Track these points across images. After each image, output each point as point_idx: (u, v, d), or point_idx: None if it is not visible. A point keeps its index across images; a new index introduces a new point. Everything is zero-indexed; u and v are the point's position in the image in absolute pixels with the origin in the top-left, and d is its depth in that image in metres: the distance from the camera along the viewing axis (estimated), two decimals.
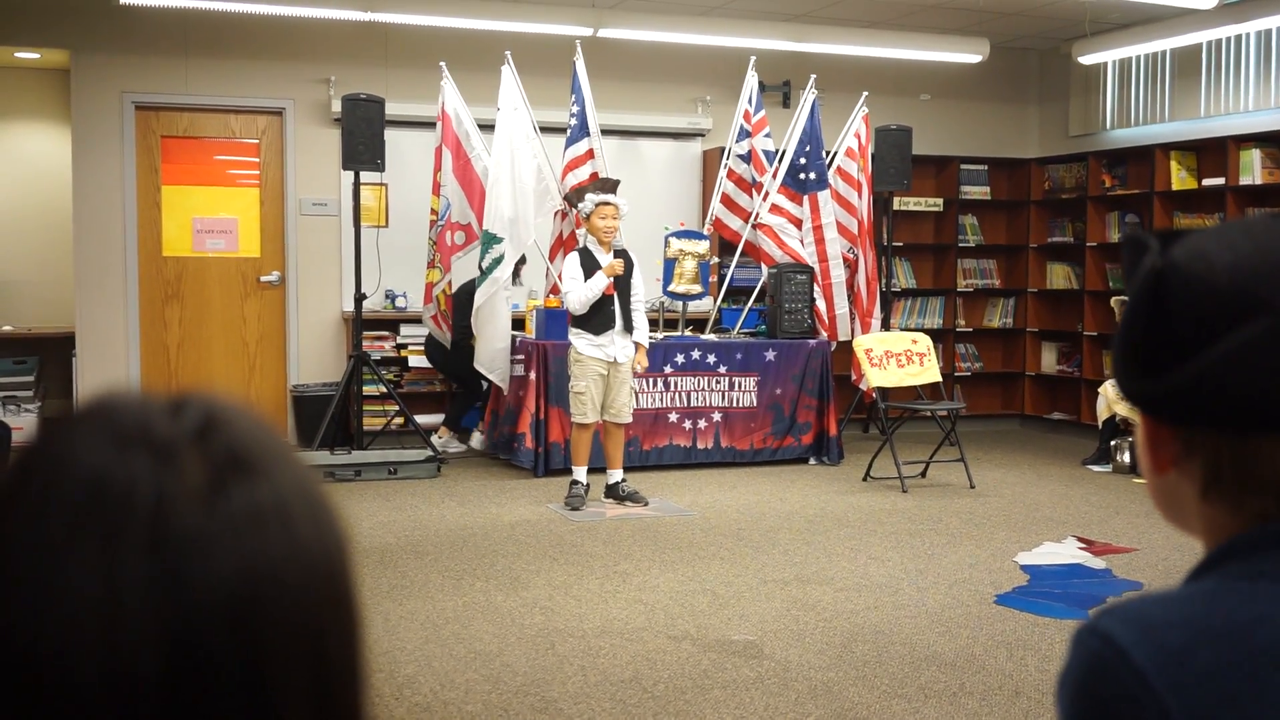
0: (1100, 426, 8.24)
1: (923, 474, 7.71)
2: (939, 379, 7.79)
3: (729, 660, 4.25)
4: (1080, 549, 5.93)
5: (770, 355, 8.13)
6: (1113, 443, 8.06)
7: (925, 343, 7.78)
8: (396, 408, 8.14)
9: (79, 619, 0.57)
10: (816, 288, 8.46)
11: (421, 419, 8.38)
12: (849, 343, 8.46)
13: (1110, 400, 8.04)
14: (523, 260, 7.98)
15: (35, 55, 8.67)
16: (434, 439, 8.10)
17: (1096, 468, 8.13)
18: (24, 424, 8.36)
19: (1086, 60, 9.31)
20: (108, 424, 0.61)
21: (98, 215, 8.46)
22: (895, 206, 9.60)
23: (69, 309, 8.71)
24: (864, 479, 7.60)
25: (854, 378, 9.03)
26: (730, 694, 3.93)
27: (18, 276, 9.05)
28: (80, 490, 0.59)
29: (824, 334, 8.52)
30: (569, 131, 8.04)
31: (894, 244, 9.57)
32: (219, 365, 8.85)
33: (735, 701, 3.86)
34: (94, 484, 0.59)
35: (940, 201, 10.23)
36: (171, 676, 0.57)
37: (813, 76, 8.67)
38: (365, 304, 7.97)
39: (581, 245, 6.97)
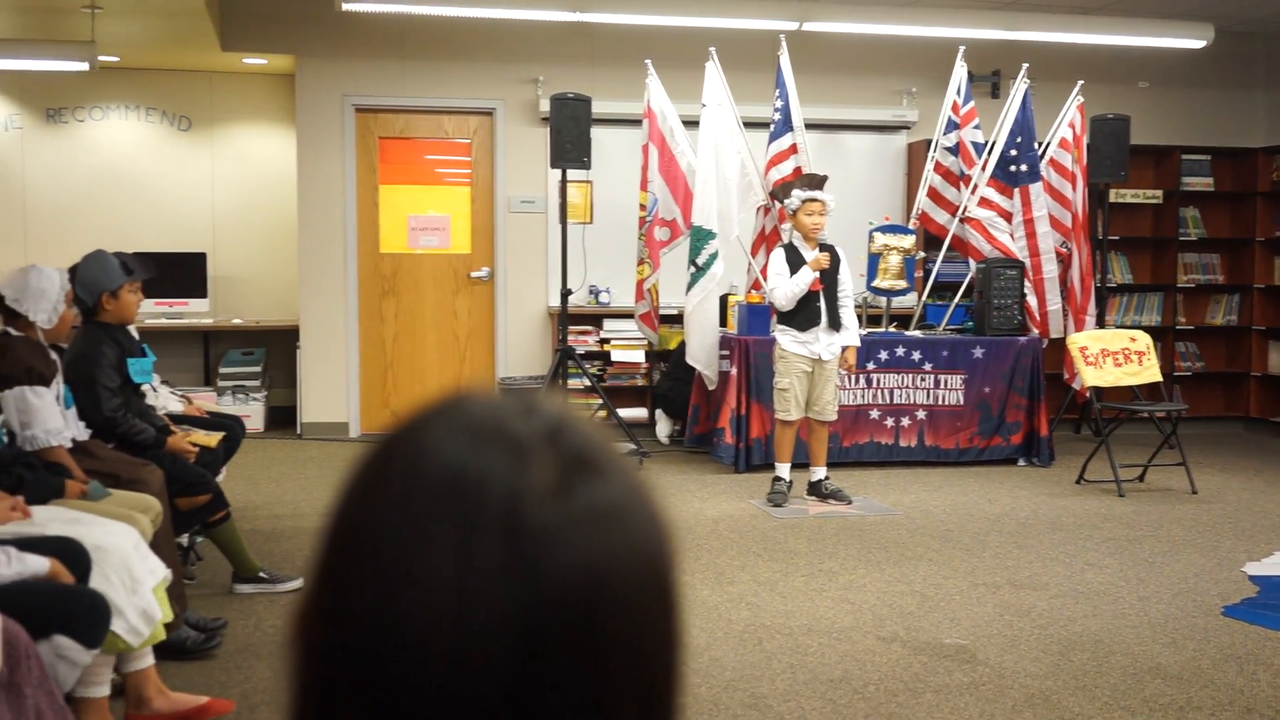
0: None
1: (1140, 478, 7.40)
2: (1159, 379, 7.46)
3: (941, 664, 4.18)
4: None
5: (978, 352, 7.93)
6: None
7: (1144, 340, 7.47)
8: (600, 401, 8.26)
9: (435, 601, 0.60)
10: (1027, 283, 8.22)
11: (624, 412, 8.49)
12: (1061, 340, 8.19)
13: None
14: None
15: (263, 61, 9.12)
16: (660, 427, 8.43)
17: None
18: (251, 412, 8.83)
19: None
20: (464, 421, 0.65)
21: (320, 214, 8.86)
22: (1111, 199, 9.24)
23: (294, 303, 9.15)
24: (1077, 482, 7.35)
25: (1066, 376, 8.75)
26: (943, 699, 3.86)
27: (247, 272, 9.54)
28: (439, 480, 0.62)
29: (1035, 331, 8.27)
30: (772, 126, 8.01)
31: (1110, 238, 9.21)
32: (431, 358, 9.16)
33: (949, 706, 3.79)
34: (452, 475, 0.62)
35: (1159, 193, 9.79)
36: (519, 661, 0.60)
37: (1024, 65, 8.41)
38: (570, 299, 8.12)
39: (786, 241, 6.93)
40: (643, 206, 8.20)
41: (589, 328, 8.91)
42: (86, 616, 2.76)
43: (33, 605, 2.64)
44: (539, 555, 0.61)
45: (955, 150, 8.41)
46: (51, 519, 3.24)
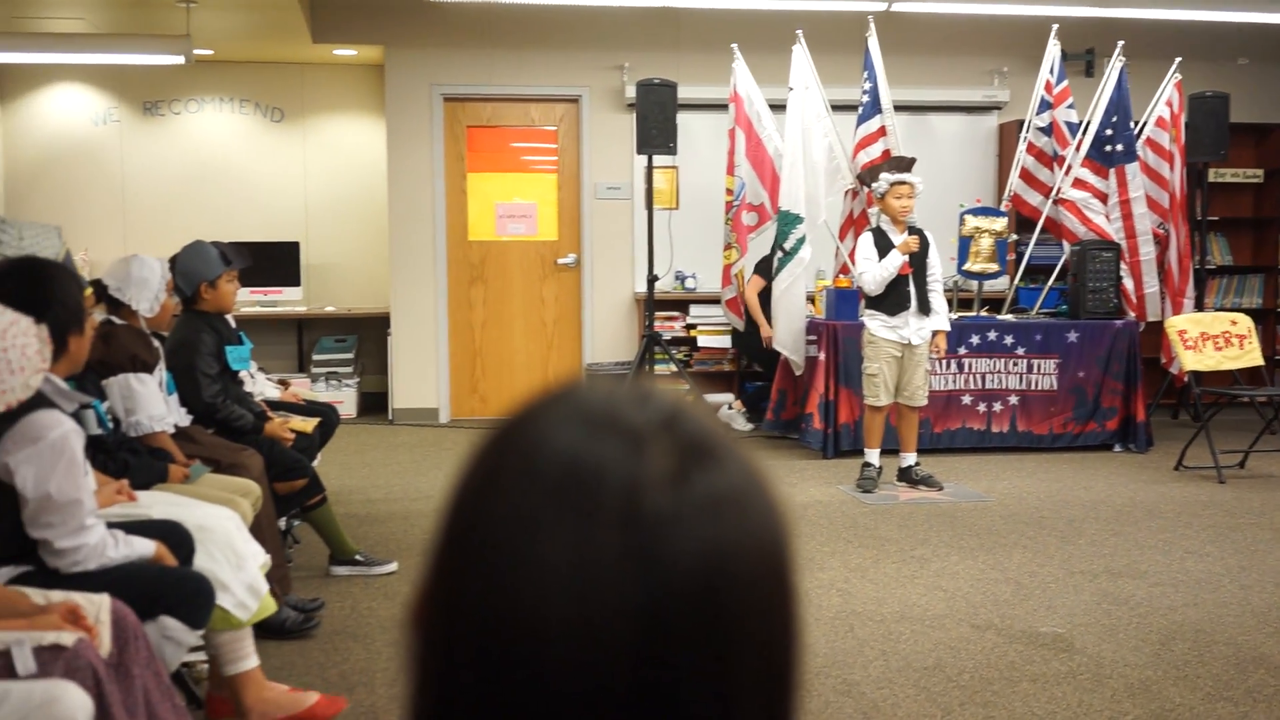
0: None
1: (1241, 464, 7.21)
2: (1260, 362, 7.26)
3: (1037, 653, 4.11)
4: None
5: (1072, 336, 7.78)
6: None
7: (1245, 324, 7.27)
8: (687, 386, 8.26)
9: (555, 591, 0.60)
10: (1123, 265, 8.04)
11: (711, 398, 8.48)
12: (1159, 323, 8.00)
13: None
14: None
15: (353, 52, 9.24)
16: (723, 410, 8.19)
17: None
18: (343, 398, 8.97)
19: None
20: (578, 410, 0.65)
21: (410, 202, 8.96)
22: (1210, 178, 9.01)
23: (384, 291, 9.27)
24: (1175, 468, 7.18)
25: (1164, 361, 8.55)
26: (1040, 688, 3.80)
27: (339, 260, 9.69)
28: (556, 469, 0.62)
29: (1131, 314, 8.10)
30: (860, 109, 7.93)
31: (1209, 218, 8.98)
32: (519, 344, 9.23)
33: (1046, 696, 3.73)
34: (568, 464, 0.62)
35: (1260, 172, 9.52)
36: (642, 649, 0.60)
37: (1119, 43, 8.22)
38: (657, 285, 8.12)
39: (874, 225, 6.86)
40: (729, 191, 8.17)
41: (675, 313, 8.91)
42: (191, 598, 2.83)
43: (139, 587, 2.71)
44: (658, 543, 0.61)
45: (1048, 130, 8.25)
46: (156, 503, 3.32)
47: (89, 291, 3.22)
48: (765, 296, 7.91)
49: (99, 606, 2.48)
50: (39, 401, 2.64)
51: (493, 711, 0.61)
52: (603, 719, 0.60)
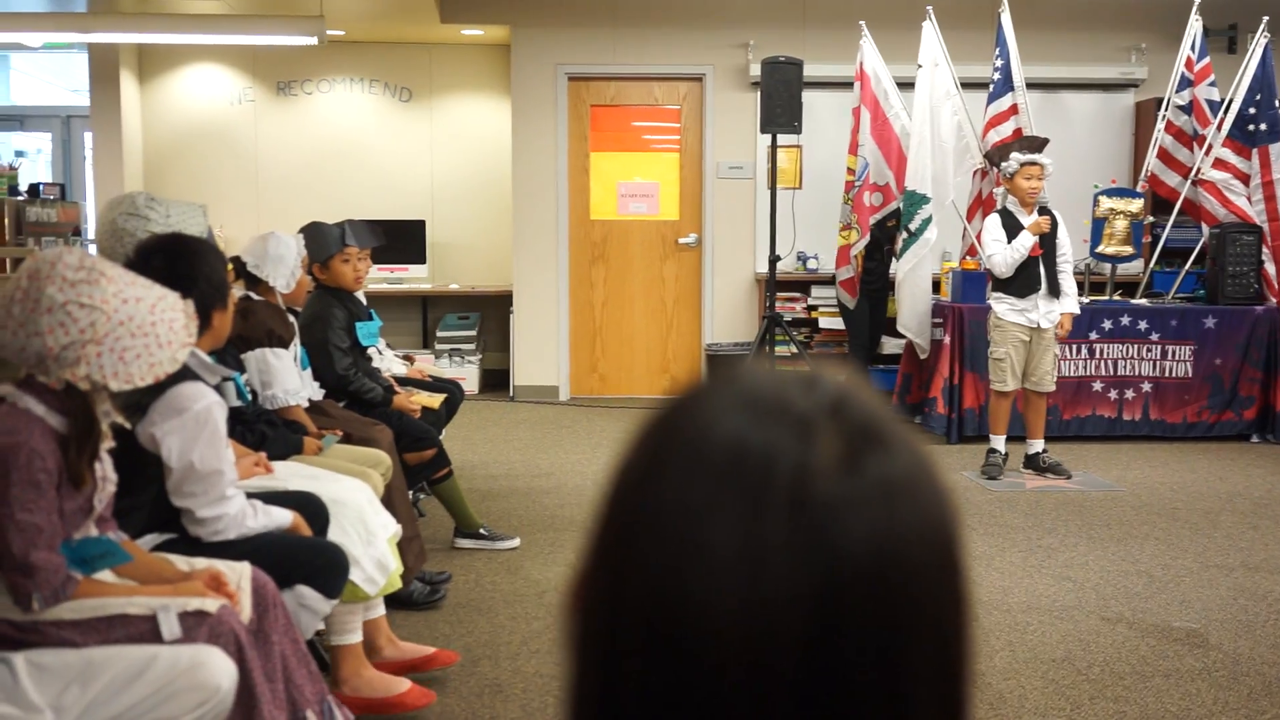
0: None
1: None
2: None
3: (1170, 648, 4.00)
4: None
5: (1210, 322, 7.53)
6: None
7: None
8: (807, 369, 8.19)
9: (724, 577, 0.60)
10: (1265, 249, 7.74)
11: None
12: None
13: None
14: None
15: (479, 32, 9.33)
16: None
17: None
18: (466, 375, 9.10)
19: None
20: (745, 396, 0.65)
21: (533, 182, 9.04)
22: None
23: (507, 269, 9.37)
24: None
25: None
26: (1174, 683, 3.70)
27: (463, 239, 9.82)
28: (723, 457, 0.62)
29: (1272, 299, 7.79)
30: (991, 87, 7.75)
31: None
32: (639, 324, 9.25)
33: (1180, 692, 3.63)
34: (736, 451, 0.62)
35: None
36: (813, 635, 0.59)
37: (1264, 19, 7.89)
38: (778, 265, 8.07)
39: (1001, 206, 6.71)
40: (850, 171, 8.06)
41: (796, 294, 8.84)
42: (327, 568, 2.90)
43: (277, 557, 2.78)
44: (829, 529, 0.60)
45: (1188, 109, 7.97)
46: (291, 475, 3.41)
47: (230, 268, 3.32)
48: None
49: (240, 574, 2.56)
50: (184, 374, 2.73)
51: (660, 696, 0.61)
52: (772, 705, 0.60)
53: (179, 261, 2.90)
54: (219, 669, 2.24)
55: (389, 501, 3.76)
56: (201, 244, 3.05)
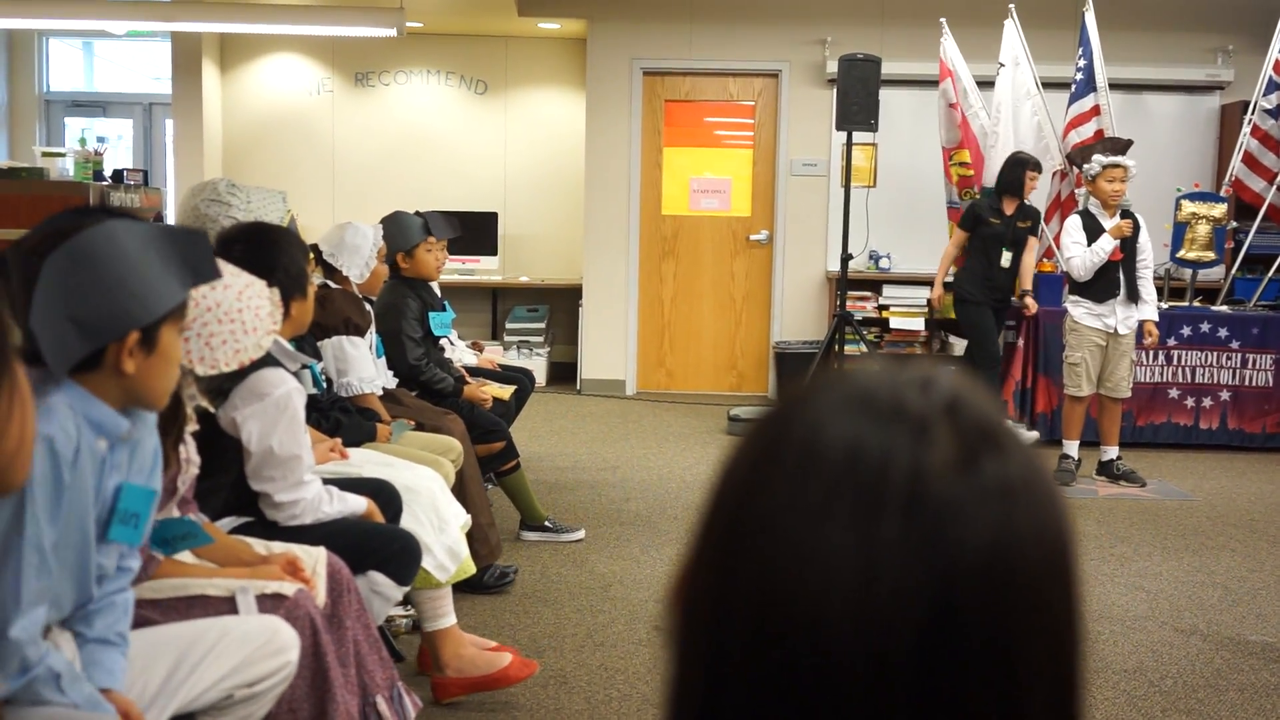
0: None
1: None
2: None
3: (1245, 661, 3.93)
4: None
5: None
6: None
7: None
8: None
9: (838, 577, 0.60)
10: None
11: None
12: None
13: None
14: None
15: (556, 25, 9.36)
16: None
17: None
18: (534, 367, 9.14)
19: None
20: (858, 396, 0.64)
21: (606, 175, 9.05)
22: None
23: (577, 262, 9.40)
24: None
25: None
26: (1249, 698, 3.63)
27: (535, 231, 9.86)
28: (838, 457, 0.62)
29: None
30: (1073, 87, 7.63)
31: None
32: (708, 320, 9.24)
33: (1255, 706, 3.56)
34: (851, 452, 0.62)
35: None
36: (927, 637, 0.59)
37: None
38: (850, 264, 8.01)
39: (1082, 207, 6.61)
40: (966, 165, 7.82)
41: (868, 293, 8.77)
42: (400, 555, 2.93)
43: (352, 543, 2.82)
44: (945, 530, 0.60)
45: (1275, 113, 7.79)
46: (366, 462, 3.45)
47: (309, 257, 3.36)
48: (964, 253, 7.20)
49: (316, 559, 2.60)
50: (265, 360, 2.77)
51: (769, 692, 0.61)
52: (886, 701, 0.60)
53: (260, 250, 2.94)
54: (288, 639, 2.27)
55: (461, 493, 3.79)
56: (282, 233, 3.09)
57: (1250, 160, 7.91)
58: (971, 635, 0.60)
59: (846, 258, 7.90)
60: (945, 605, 0.59)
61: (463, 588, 4.00)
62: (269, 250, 2.98)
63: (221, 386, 2.75)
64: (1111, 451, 6.47)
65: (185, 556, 2.49)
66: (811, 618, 0.60)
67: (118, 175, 8.61)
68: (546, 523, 5.09)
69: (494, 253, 9.54)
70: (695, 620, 0.66)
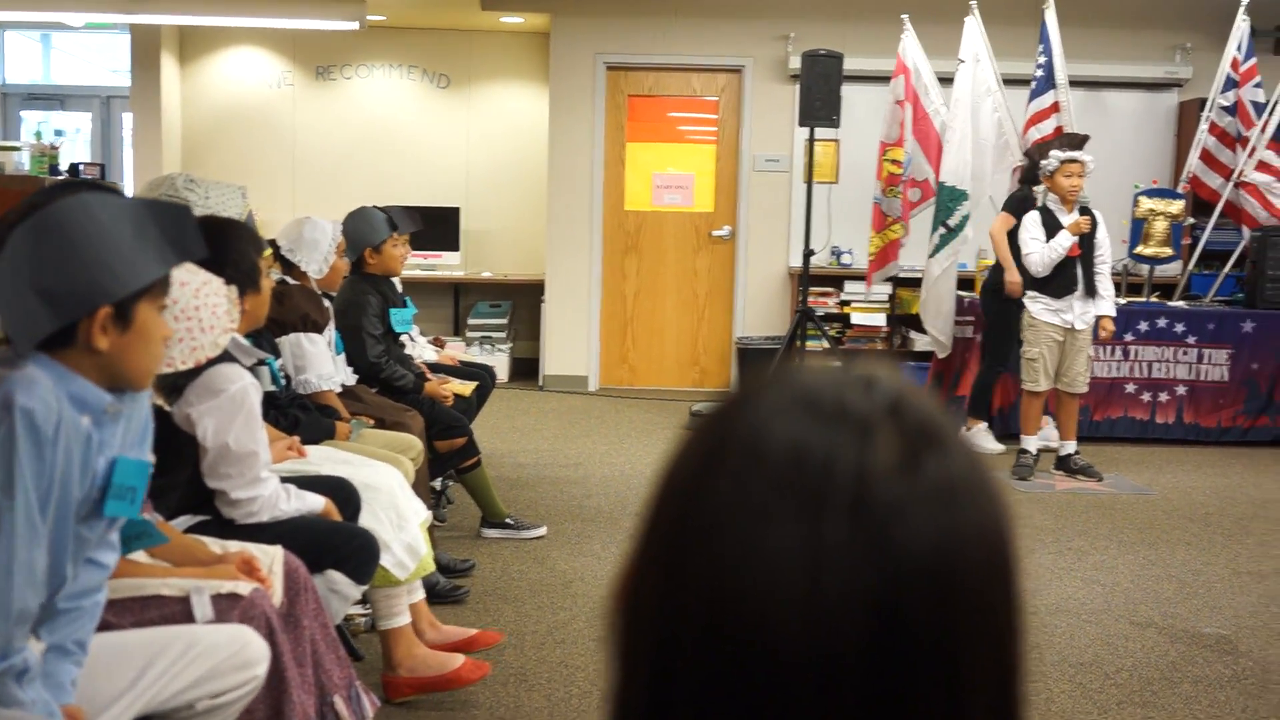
0: None
1: None
2: None
3: (1200, 654, 3.97)
4: None
5: (1248, 326, 7.45)
6: None
7: None
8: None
9: (783, 578, 0.60)
10: None
11: None
12: None
13: None
14: None
15: (519, 20, 9.33)
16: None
17: None
18: (496, 363, 9.12)
19: None
20: (802, 397, 0.64)
21: (569, 171, 9.04)
22: None
23: (540, 258, 9.38)
24: None
25: None
26: (1203, 690, 3.67)
27: (498, 227, 9.83)
28: (782, 459, 0.62)
29: None
30: (1033, 84, 7.67)
31: None
32: (670, 316, 9.25)
33: (1208, 699, 3.61)
34: (795, 452, 0.62)
35: None
36: (873, 640, 0.59)
37: None
38: (812, 260, 8.03)
39: (1041, 204, 6.66)
40: (897, 163, 7.93)
41: (830, 289, 8.81)
42: (358, 553, 2.91)
43: (309, 541, 2.80)
44: (889, 531, 0.60)
45: (1233, 110, 7.88)
46: (324, 459, 3.43)
47: (268, 253, 3.33)
48: (1013, 237, 6.67)
49: (272, 558, 2.58)
50: (220, 355, 2.74)
51: (716, 695, 0.61)
52: (834, 701, 0.60)
53: (209, 245, 2.89)
54: (258, 650, 2.26)
55: (417, 489, 3.78)
56: (232, 227, 3.06)
57: (1207, 157, 8.00)
58: (918, 637, 0.60)
59: (809, 253, 7.93)
60: (891, 607, 0.60)
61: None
62: (219, 244, 2.92)
63: (176, 383, 2.72)
64: (1069, 446, 6.52)
65: (140, 556, 2.46)
66: (758, 618, 0.60)
67: (74, 169, 8.52)
68: (508, 520, 5.08)
69: (456, 248, 9.50)
70: (641, 619, 0.66)
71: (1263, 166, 7.74)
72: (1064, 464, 6.52)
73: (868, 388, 0.65)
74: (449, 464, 4.83)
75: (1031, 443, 6.49)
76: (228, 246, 2.96)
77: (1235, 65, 7.84)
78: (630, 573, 0.67)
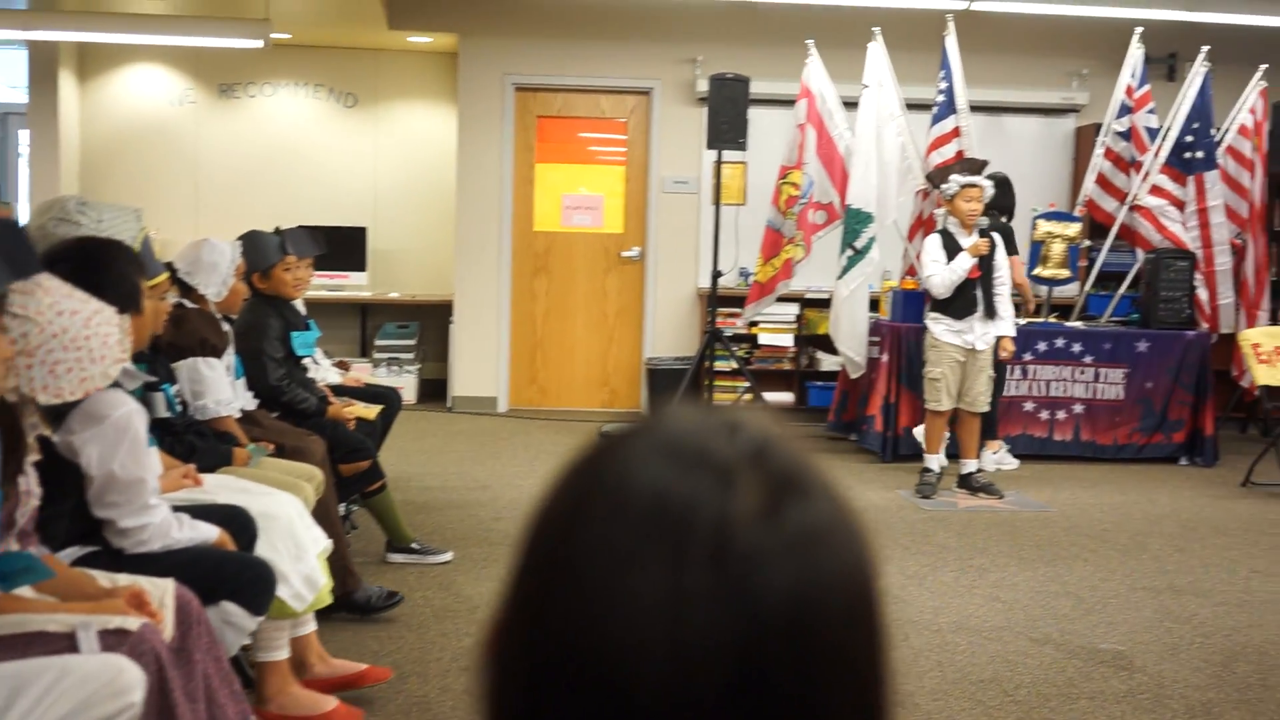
0: None
1: None
2: None
3: (1096, 669, 4.05)
4: None
5: (1142, 346, 7.65)
6: None
7: None
8: (747, 384, 8.23)
9: (646, 624, 0.60)
10: (1198, 275, 7.89)
11: (770, 396, 8.44)
12: (1232, 336, 7.85)
13: None
14: None
15: (427, 40, 9.29)
16: (987, 456, 7.07)
17: None
18: (404, 384, 9.04)
19: None
20: (666, 443, 0.64)
21: (477, 191, 9.00)
22: None
23: (449, 278, 9.32)
24: (1243, 484, 7.04)
25: (1235, 374, 8.38)
26: (1098, 705, 3.75)
27: (405, 247, 9.76)
28: (644, 505, 0.62)
29: (1204, 325, 7.94)
30: (935, 109, 7.83)
31: None
32: (580, 336, 9.24)
33: (1104, 714, 3.68)
34: (657, 499, 0.62)
35: None
36: (733, 689, 0.59)
37: (1204, 48, 8.05)
38: (720, 281, 8.09)
39: (941, 226, 6.78)
40: (795, 185, 8.05)
41: (738, 310, 8.87)
42: (253, 584, 2.86)
43: (202, 572, 2.74)
44: (750, 579, 0.61)
45: (1127, 135, 8.11)
46: (221, 487, 3.36)
47: (165, 276, 3.26)
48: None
49: (164, 591, 2.52)
50: None
51: None
52: None
53: (87, 267, 2.81)
54: (133, 679, 2.20)
55: (320, 518, 3.72)
56: (111, 248, 2.97)
57: (1103, 181, 8.21)
58: (778, 686, 0.60)
59: (717, 275, 7.99)
60: (752, 656, 0.60)
61: (350, 610, 3.92)
62: (96, 267, 2.85)
63: (58, 410, 2.65)
64: (971, 465, 6.63)
65: (25, 592, 2.39)
66: (621, 665, 0.60)
67: None
68: (414, 545, 5.02)
69: (363, 268, 9.41)
70: (508, 672, 0.65)
71: (1156, 190, 7.97)
72: (966, 482, 6.63)
73: (732, 434, 0.65)
74: (354, 488, 4.77)
75: (934, 461, 6.59)
76: (105, 268, 2.87)
77: (1130, 92, 8.07)
78: (497, 624, 0.67)
